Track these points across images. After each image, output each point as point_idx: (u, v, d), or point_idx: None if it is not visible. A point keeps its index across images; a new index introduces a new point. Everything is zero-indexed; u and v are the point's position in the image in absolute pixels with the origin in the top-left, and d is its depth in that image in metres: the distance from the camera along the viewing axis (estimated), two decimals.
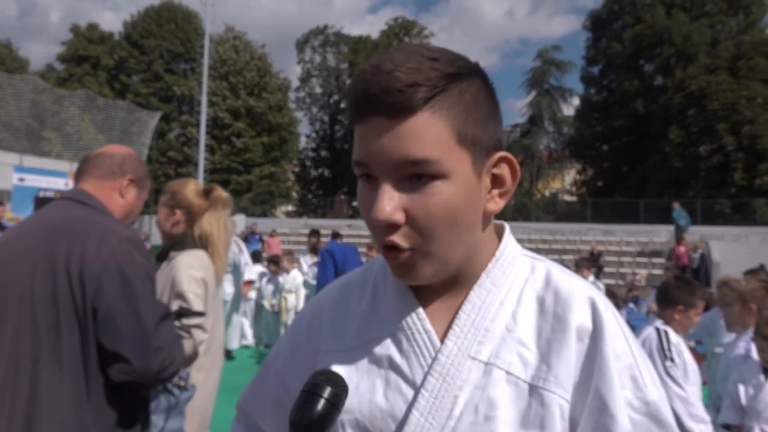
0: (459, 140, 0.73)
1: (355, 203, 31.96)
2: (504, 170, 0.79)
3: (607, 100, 37.83)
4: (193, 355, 2.28)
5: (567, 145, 39.88)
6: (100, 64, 39.71)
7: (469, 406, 0.76)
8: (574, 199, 39.62)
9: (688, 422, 2.72)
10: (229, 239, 2.70)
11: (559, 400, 0.74)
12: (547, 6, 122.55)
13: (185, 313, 2.16)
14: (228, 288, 8.37)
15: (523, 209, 33.63)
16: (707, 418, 2.81)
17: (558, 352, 0.76)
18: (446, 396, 0.76)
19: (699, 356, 4.72)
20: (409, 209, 0.73)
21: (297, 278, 9.06)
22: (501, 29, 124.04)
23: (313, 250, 9.19)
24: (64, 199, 1.77)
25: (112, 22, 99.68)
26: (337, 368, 0.82)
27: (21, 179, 17.61)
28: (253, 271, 8.38)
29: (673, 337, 2.90)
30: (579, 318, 0.78)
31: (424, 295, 0.84)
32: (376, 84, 0.70)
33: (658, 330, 2.94)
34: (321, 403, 0.67)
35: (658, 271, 17.79)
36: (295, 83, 43.87)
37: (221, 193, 2.67)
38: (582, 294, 0.80)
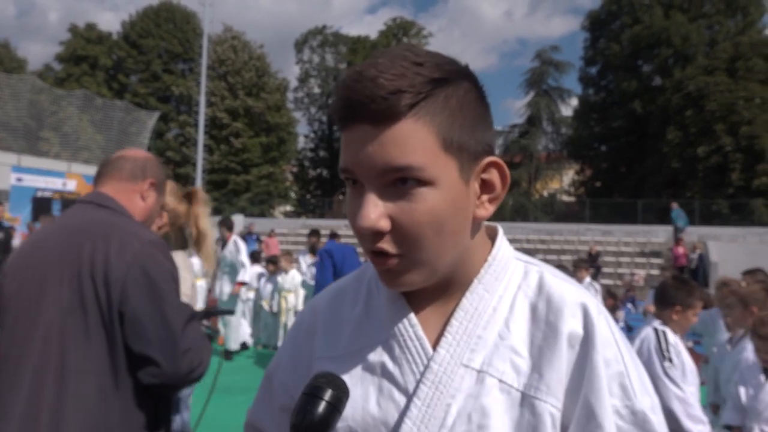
0: (445, 147, 0.72)
1: None
2: (493, 175, 0.78)
3: (606, 101, 37.86)
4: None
5: (565, 145, 39.89)
6: (98, 64, 39.67)
7: (462, 415, 0.75)
8: (572, 199, 39.63)
9: (687, 423, 2.72)
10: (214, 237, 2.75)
11: (551, 409, 0.74)
12: (545, 6, 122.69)
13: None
14: (226, 288, 8.36)
15: (521, 209, 33.65)
16: (705, 418, 2.82)
17: (549, 360, 0.76)
18: (439, 405, 0.76)
19: (697, 357, 4.74)
20: (395, 217, 0.72)
21: (296, 278, 9.06)
22: (499, 30, 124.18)
23: (312, 250, 9.19)
24: (85, 203, 1.77)
25: (111, 22, 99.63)
26: None
27: (19, 179, 17.59)
28: (247, 272, 8.35)
29: (672, 337, 2.90)
30: (570, 325, 0.77)
31: (416, 300, 0.83)
32: (359, 91, 0.69)
33: (656, 330, 2.94)
34: (322, 406, 0.67)
35: (656, 272, 17.80)
36: (294, 83, 43.93)
37: (203, 192, 2.75)
38: (574, 300, 0.79)
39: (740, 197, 28.09)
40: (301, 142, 43.93)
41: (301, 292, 9.06)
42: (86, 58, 39.43)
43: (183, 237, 2.67)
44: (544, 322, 0.78)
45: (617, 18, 37.19)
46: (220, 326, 8.19)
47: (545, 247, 21.56)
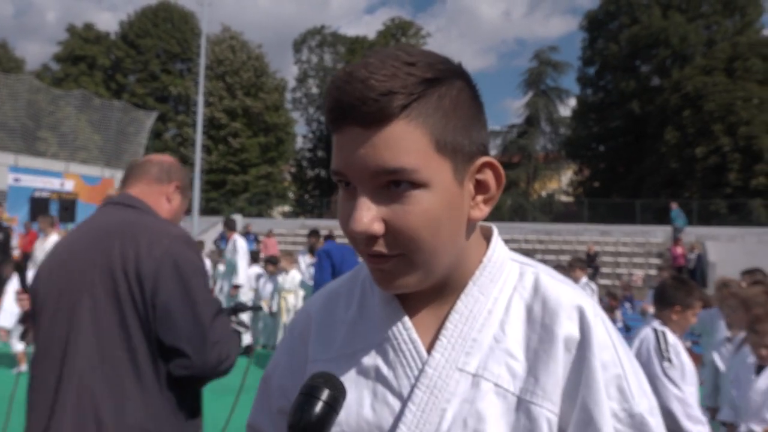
0: (438, 148, 0.70)
1: None
2: (488, 176, 0.77)
3: (604, 101, 37.93)
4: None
5: (563, 145, 39.94)
6: (96, 64, 39.66)
7: (457, 419, 0.74)
8: (570, 199, 39.70)
9: (686, 423, 2.71)
10: None
11: (547, 413, 0.73)
12: (543, 7, 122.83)
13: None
14: (225, 287, 8.37)
15: (519, 209, 33.70)
16: (704, 419, 2.82)
17: (545, 363, 0.75)
18: (434, 409, 0.75)
19: (696, 357, 4.73)
20: (389, 220, 0.71)
21: (296, 278, 9.06)
22: (498, 30, 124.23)
23: (312, 250, 9.18)
24: (112, 204, 1.83)
25: (109, 22, 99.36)
26: None
27: (16, 179, 17.57)
28: (242, 275, 8.35)
29: (671, 337, 2.90)
30: (566, 328, 0.76)
31: (410, 303, 0.82)
32: (350, 93, 0.68)
33: (655, 331, 2.94)
34: (319, 406, 0.66)
35: (654, 272, 17.84)
36: (292, 83, 43.96)
37: None
38: (570, 302, 0.78)
39: (738, 197, 28.15)
40: (300, 142, 44.03)
41: (301, 293, 9.06)
42: (84, 58, 39.42)
43: None
44: (539, 324, 0.77)
45: (615, 18, 37.26)
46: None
47: (543, 247, 21.59)
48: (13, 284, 7.12)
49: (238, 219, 24.20)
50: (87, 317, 1.60)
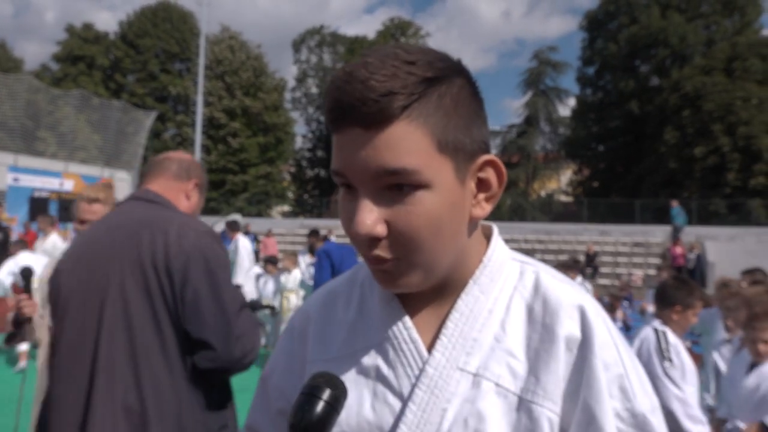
0: (439, 148, 0.70)
1: None
2: (490, 174, 0.76)
3: (603, 101, 37.96)
4: None
5: (563, 145, 39.98)
6: (95, 63, 39.65)
7: (458, 419, 0.74)
8: (569, 199, 39.73)
9: (686, 423, 2.72)
10: None
11: (548, 413, 0.72)
12: (543, 6, 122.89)
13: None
14: None
15: (519, 209, 33.71)
16: (704, 419, 2.82)
17: (546, 363, 0.74)
18: (434, 409, 0.74)
19: (696, 357, 4.74)
20: (391, 221, 0.70)
21: (298, 278, 9.07)
22: (497, 30, 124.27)
23: (312, 250, 9.19)
24: (135, 200, 1.85)
25: (108, 21, 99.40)
26: None
27: (15, 179, 17.54)
28: (241, 274, 8.34)
29: (672, 337, 2.90)
30: (568, 327, 0.76)
31: (410, 302, 0.81)
32: (350, 93, 0.67)
33: (656, 331, 2.94)
34: (320, 405, 0.65)
35: (653, 272, 17.85)
36: (291, 83, 43.96)
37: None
38: (571, 302, 0.78)
39: (737, 197, 28.18)
40: (299, 142, 44.04)
41: (301, 293, 9.06)
42: (83, 57, 39.41)
43: None
44: (540, 324, 0.77)
45: (615, 18, 37.29)
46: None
47: (543, 247, 21.60)
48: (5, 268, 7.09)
49: (237, 219, 24.20)
50: (118, 311, 1.62)
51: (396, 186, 0.69)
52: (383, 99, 0.67)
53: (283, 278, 8.98)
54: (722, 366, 4.10)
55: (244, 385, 2.21)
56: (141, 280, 1.63)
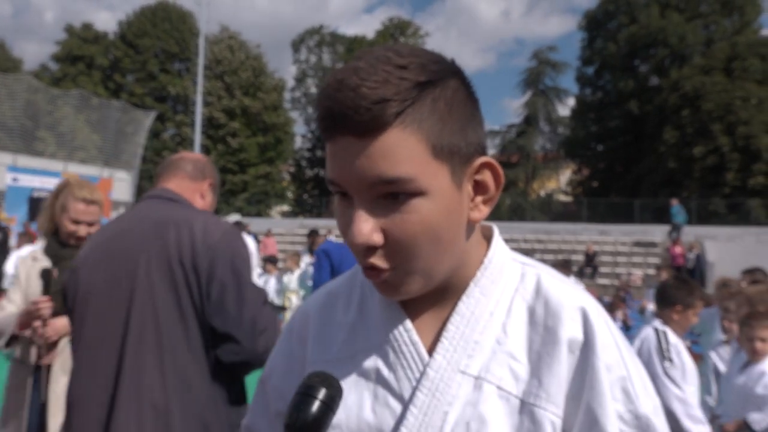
0: (434, 153, 0.68)
1: None
2: (486, 176, 0.75)
3: (602, 101, 38.00)
4: None
5: (562, 145, 40.01)
6: (94, 63, 39.64)
7: (460, 423, 0.73)
8: (569, 199, 39.75)
9: (686, 423, 2.72)
10: None
11: (551, 416, 0.72)
12: (542, 6, 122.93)
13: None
14: None
15: (518, 209, 33.73)
16: (705, 418, 2.82)
17: (549, 366, 0.74)
18: (436, 412, 0.73)
19: (696, 356, 4.74)
20: (387, 230, 0.69)
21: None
22: (497, 29, 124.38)
23: (311, 249, 9.19)
24: (154, 198, 1.86)
25: (107, 21, 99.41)
26: None
27: (15, 179, 17.54)
28: None
29: (672, 337, 2.90)
30: (570, 330, 0.75)
31: (411, 304, 0.80)
32: (341, 102, 0.66)
33: (656, 330, 2.94)
34: (315, 405, 0.65)
35: (653, 271, 17.87)
36: (291, 83, 43.95)
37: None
38: (573, 304, 0.77)
39: (737, 197, 28.20)
40: (298, 141, 44.03)
41: (300, 292, 9.07)
42: (82, 57, 39.40)
43: None
44: (542, 326, 0.76)
45: (614, 18, 37.32)
46: None
47: (542, 246, 21.60)
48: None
49: (237, 219, 24.21)
50: (147, 308, 1.64)
51: (392, 194, 0.68)
52: (376, 107, 0.65)
53: (286, 278, 9.00)
54: (721, 366, 4.09)
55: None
56: (168, 277, 1.65)
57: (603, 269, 19.85)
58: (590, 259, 19.61)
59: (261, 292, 1.75)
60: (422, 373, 0.75)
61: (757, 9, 33.99)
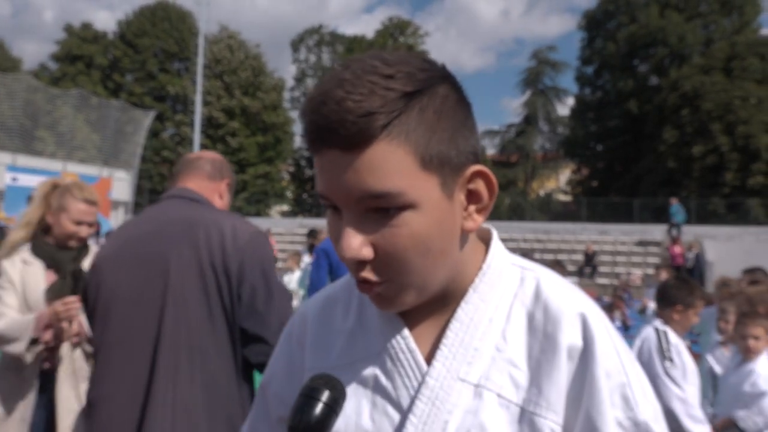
0: (423, 164, 0.67)
1: None
2: (480, 185, 0.73)
3: (602, 100, 38.02)
4: None
5: (562, 144, 40.04)
6: (93, 63, 39.62)
7: (461, 431, 0.72)
8: (568, 198, 39.78)
9: (687, 423, 2.71)
10: None
11: (551, 424, 0.71)
12: (542, 6, 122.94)
13: None
14: None
15: (517, 209, 33.74)
16: (705, 418, 2.82)
17: (548, 374, 0.73)
18: (436, 421, 0.73)
19: (695, 356, 4.74)
20: (377, 244, 0.68)
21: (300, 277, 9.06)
22: (496, 29, 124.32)
23: (311, 249, 9.18)
24: (176, 198, 1.85)
25: (106, 21, 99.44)
26: None
27: (14, 179, 17.55)
28: None
29: (673, 337, 2.90)
30: (569, 337, 0.74)
31: (409, 311, 0.79)
32: (326, 116, 0.64)
33: (657, 330, 2.94)
34: (319, 407, 0.65)
35: (652, 271, 17.87)
36: (290, 83, 43.97)
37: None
38: (572, 310, 0.76)
39: (736, 196, 28.23)
40: (298, 141, 43.96)
41: (301, 292, 9.06)
42: (82, 57, 39.38)
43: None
44: (542, 333, 0.75)
45: (613, 17, 37.34)
46: None
47: (542, 246, 21.60)
48: None
49: None
50: (179, 309, 1.64)
51: (381, 208, 0.67)
52: (361, 120, 0.64)
53: (286, 278, 8.99)
54: (717, 368, 4.09)
55: None
56: (199, 279, 1.65)
57: (602, 269, 19.85)
58: (589, 258, 19.62)
59: (287, 293, 1.76)
60: (421, 382, 0.75)
61: (756, 9, 34.02)
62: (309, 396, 0.66)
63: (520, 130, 39.73)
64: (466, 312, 0.77)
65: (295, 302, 8.86)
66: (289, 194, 42.45)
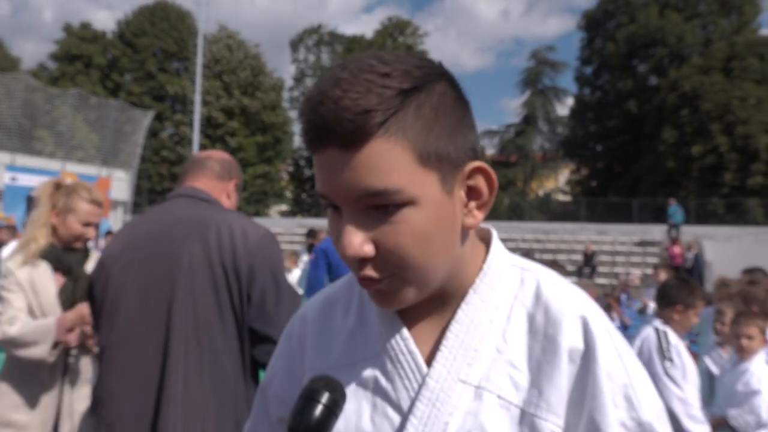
0: (421, 161, 0.67)
1: None
2: (479, 181, 0.74)
3: (601, 101, 38.05)
4: None
5: (561, 145, 40.07)
6: (92, 62, 39.61)
7: None
8: (568, 198, 39.82)
9: (687, 423, 2.72)
10: None
11: (551, 426, 0.71)
12: (541, 6, 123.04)
13: None
14: None
15: (517, 209, 33.76)
16: (705, 418, 2.82)
17: (549, 376, 0.73)
18: (437, 423, 0.72)
19: (695, 355, 4.74)
20: (378, 241, 0.69)
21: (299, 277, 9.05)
22: (496, 29, 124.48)
23: (310, 249, 9.17)
24: (185, 197, 1.85)
25: (106, 20, 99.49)
26: None
27: (13, 178, 17.52)
28: None
29: (673, 337, 2.90)
30: (570, 339, 0.74)
31: (409, 312, 0.79)
32: (324, 115, 0.65)
33: (657, 330, 2.94)
34: (319, 409, 0.65)
35: (652, 271, 17.88)
36: (290, 83, 43.97)
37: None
38: (573, 311, 0.76)
39: (735, 197, 28.26)
40: (297, 141, 43.96)
41: (300, 292, 9.05)
42: (81, 56, 39.37)
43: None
44: (542, 334, 0.75)
45: (613, 17, 37.38)
46: None
47: (541, 246, 21.61)
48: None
49: None
50: (189, 309, 1.64)
51: (381, 205, 0.67)
52: (358, 118, 0.64)
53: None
54: (713, 369, 4.09)
55: None
56: (209, 278, 1.65)
57: (601, 269, 19.86)
58: (589, 258, 19.63)
59: (296, 295, 1.76)
60: (421, 384, 0.74)
61: (755, 9, 34.06)
62: (309, 398, 0.65)
63: (519, 130, 39.76)
64: (466, 313, 0.77)
65: None
66: (288, 194, 42.46)
